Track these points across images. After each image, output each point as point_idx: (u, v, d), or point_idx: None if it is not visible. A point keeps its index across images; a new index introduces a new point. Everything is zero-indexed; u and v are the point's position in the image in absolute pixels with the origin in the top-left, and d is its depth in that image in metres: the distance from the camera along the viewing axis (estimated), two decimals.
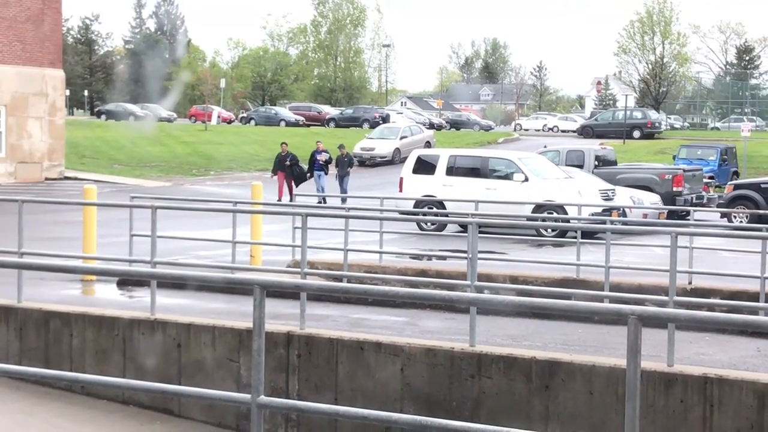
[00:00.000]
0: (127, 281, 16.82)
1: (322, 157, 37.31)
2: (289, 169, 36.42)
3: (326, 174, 37.49)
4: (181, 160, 55.43)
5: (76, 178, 46.49)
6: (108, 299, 15.83)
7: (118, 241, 18.58)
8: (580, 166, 33.74)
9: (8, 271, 13.42)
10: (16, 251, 14.02)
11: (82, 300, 15.65)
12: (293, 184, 36.28)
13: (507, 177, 27.74)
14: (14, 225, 14.30)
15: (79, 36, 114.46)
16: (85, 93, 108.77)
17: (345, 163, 38.92)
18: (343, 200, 33.41)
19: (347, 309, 15.06)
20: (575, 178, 29.03)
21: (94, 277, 17.15)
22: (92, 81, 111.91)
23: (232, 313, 13.37)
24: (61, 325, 13.04)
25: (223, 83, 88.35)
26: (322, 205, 30.90)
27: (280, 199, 34.94)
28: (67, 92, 66.25)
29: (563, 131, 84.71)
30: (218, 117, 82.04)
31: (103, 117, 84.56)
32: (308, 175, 36.99)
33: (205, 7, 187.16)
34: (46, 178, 46.89)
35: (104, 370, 12.36)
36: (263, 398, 6.11)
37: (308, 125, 78.28)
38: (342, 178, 38.61)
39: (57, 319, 13.10)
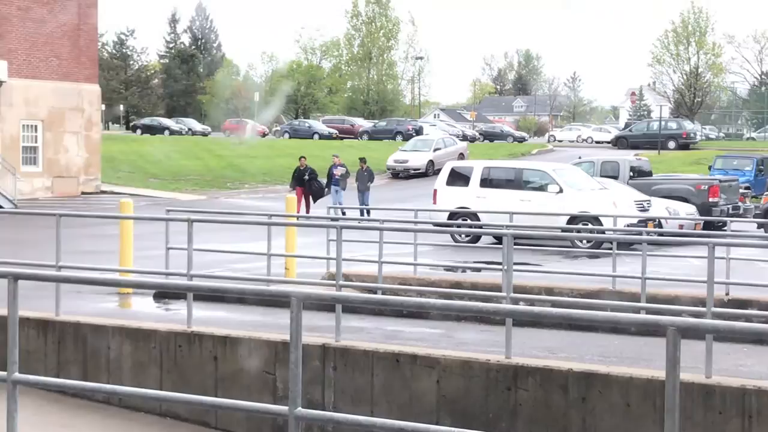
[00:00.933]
0: (163, 294, 16.89)
1: (338, 172, 35.89)
2: (308, 184, 35.03)
3: (344, 189, 36.07)
4: (216, 173, 55.69)
5: (112, 192, 46.80)
6: (145, 312, 15.89)
7: (154, 254, 18.67)
8: (615, 177, 33.58)
9: (46, 285, 13.50)
10: (54, 264, 14.12)
11: (119, 313, 15.73)
12: (311, 199, 35.14)
13: (541, 188, 27.66)
14: (52, 239, 14.41)
15: (114, 51, 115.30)
16: (121, 107, 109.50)
17: (365, 178, 36.99)
18: (368, 213, 32.30)
19: (382, 321, 15.05)
20: (610, 189, 28.90)
21: (130, 290, 17.23)
22: (128, 95, 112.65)
23: (267, 325, 13.39)
24: (98, 338, 13.12)
25: (257, 97, 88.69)
26: (345, 216, 30.08)
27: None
28: (103, 107, 66.70)
29: (597, 142, 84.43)
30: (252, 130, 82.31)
31: (139, 131, 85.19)
32: (326, 190, 35.62)
33: (239, 21, 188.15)
34: (83, 192, 47.26)
35: (141, 383, 12.41)
36: (301, 410, 6.11)
37: (341, 138, 78.48)
38: (362, 193, 36.66)
39: (94, 332, 13.18)
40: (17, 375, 7.09)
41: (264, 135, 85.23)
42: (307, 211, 34.05)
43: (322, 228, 20.44)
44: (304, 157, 36.05)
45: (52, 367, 13.18)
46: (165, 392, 11.28)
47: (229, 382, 12.29)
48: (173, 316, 14.80)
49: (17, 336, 7.08)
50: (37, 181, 45.87)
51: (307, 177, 34.96)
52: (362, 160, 37.53)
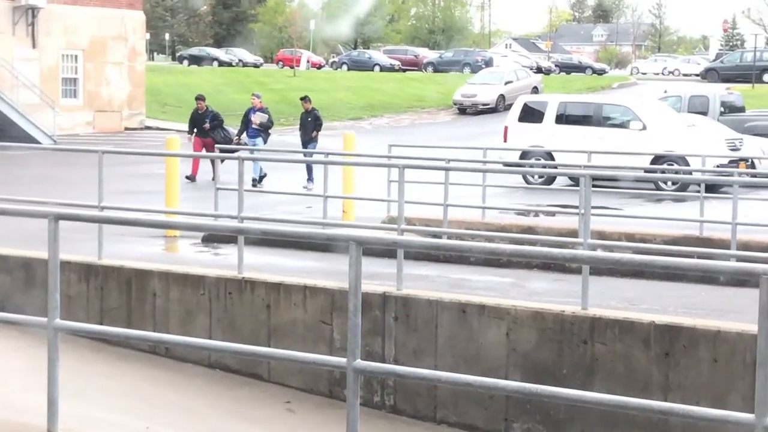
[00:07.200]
0: (212, 237, 17.04)
1: (256, 119, 27.25)
2: (210, 134, 27.15)
3: (265, 142, 27.43)
4: (269, 108, 55.68)
5: (157, 128, 47.18)
6: (193, 257, 16.06)
7: (203, 195, 18.82)
8: (704, 113, 33.17)
9: (88, 227, 13.63)
10: (97, 205, 14.26)
11: (165, 257, 15.90)
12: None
13: (623, 125, 27.45)
14: (94, 178, 14.54)
15: None
16: (166, 36, 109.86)
17: (310, 125, 27.63)
18: (310, 178, 25.34)
19: (447, 268, 15.08)
20: (698, 126, 28.60)
21: (177, 233, 17.40)
22: (174, 23, 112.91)
23: (323, 272, 13.47)
24: (143, 283, 13.26)
25: (312, 25, 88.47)
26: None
27: (193, 177, 26.13)
28: (148, 36, 66.96)
29: (685, 75, 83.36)
30: (307, 62, 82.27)
31: (186, 62, 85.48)
32: (237, 139, 27.32)
33: None
34: (126, 128, 47.65)
35: (189, 332, 12.54)
36: (360, 362, 6.13)
37: (404, 70, 78.11)
38: (306, 144, 27.39)
39: (139, 277, 13.32)
40: (58, 321, 7.20)
41: (320, 67, 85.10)
42: (213, 174, 21.25)
43: (383, 167, 20.38)
44: (201, 98, 28.21)
45: (95, 314, 13.37)
46: (214, 342, 11.39)
47: (283, 332, 12.39)
48: (223, 261, 14.95)
49: (58, 280, 7.17)
50: (78, 116, 46.29)
51: (207, 125, 27.39)
52: (305, 99, 28.61)
